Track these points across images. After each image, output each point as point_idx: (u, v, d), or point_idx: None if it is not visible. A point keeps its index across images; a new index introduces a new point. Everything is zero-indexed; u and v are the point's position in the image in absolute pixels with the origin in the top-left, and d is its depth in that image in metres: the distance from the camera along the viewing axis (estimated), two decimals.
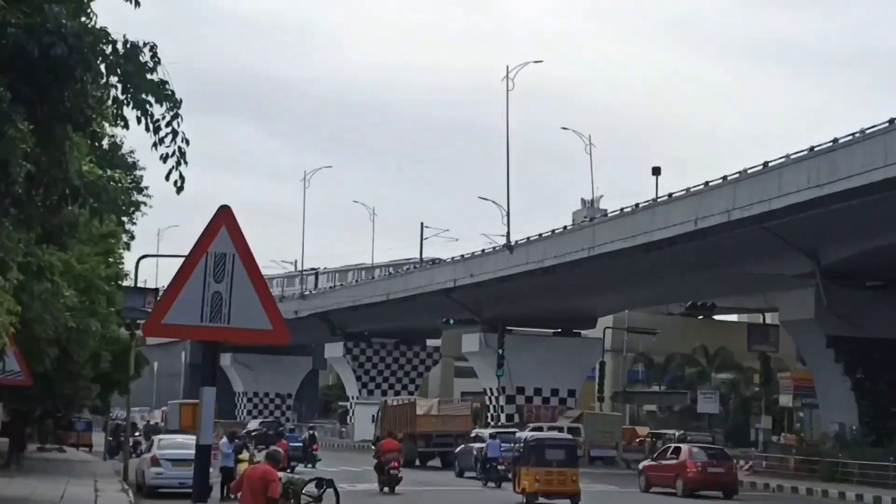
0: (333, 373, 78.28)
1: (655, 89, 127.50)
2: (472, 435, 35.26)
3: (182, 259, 5.94)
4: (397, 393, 63.71)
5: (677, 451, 28.31)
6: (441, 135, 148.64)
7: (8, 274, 9.48)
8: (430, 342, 67.73)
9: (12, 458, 30.71)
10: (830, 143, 28.03)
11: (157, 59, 7.17)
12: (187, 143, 7.32)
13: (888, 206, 27.09)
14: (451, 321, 52.25)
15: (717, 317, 63.01)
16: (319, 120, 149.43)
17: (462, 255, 49.69)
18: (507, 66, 45.97)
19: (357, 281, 65.56)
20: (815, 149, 28.82)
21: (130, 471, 27.90)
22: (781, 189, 29.59)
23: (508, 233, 46.32)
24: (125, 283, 27.69)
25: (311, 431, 39.11)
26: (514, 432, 37.20)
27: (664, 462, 28.38)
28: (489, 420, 51.38)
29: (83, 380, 24.02)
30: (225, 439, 24.14)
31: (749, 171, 31.58)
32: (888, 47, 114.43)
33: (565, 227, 44.48)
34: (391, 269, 63.42)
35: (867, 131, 26.80)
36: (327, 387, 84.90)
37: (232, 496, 11.84)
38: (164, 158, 7.23)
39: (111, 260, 26.52)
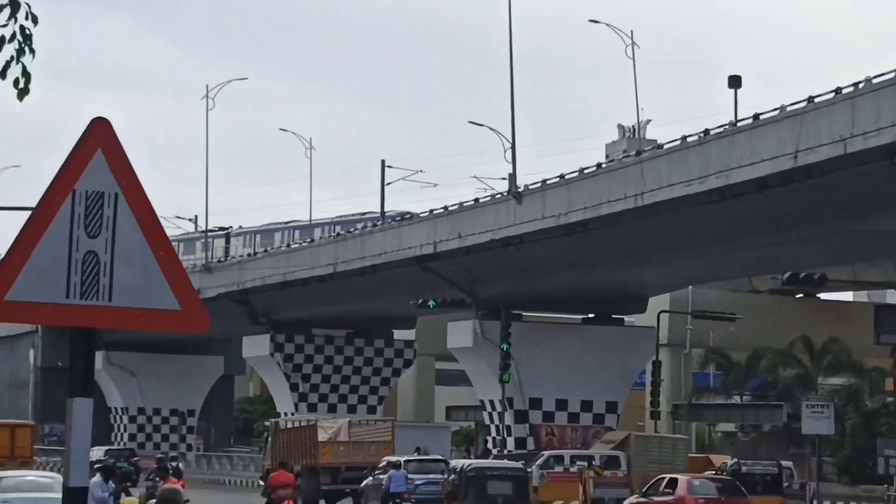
0: (256, 379, 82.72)
1: None
2: (383, 463, 39.18)
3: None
4: (351, 409, 67.55)
5: (673, 483, 32.41)
6: (409, 38, 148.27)
7: None
8: (400, 334, 71.48)
9: None
10: None
11: None
12: (35, 21, 7.28)
13: None
14: (431, 303, 54.65)
15: (825, 295, 66.86)
16: (228, 18, 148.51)
17: (445, 207, 52.08)
18: None
19: (289, 246, 67.80)
20: None
21: None
22: None
23: (514, 173, 48.37)
24: None
25: (174, 463, 41.88)
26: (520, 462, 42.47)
27: (656, 499, 31.97)
28: (489, 446, 55.25)
29: None
30: (98, 477, 25.11)
31: (874, 82, 33.81)
32: None
33: (599, 166, 46.96)
34: (339, 229, 65.60)
35: None
36: (248, 399, 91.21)
37: None
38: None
39: None
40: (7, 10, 7.06)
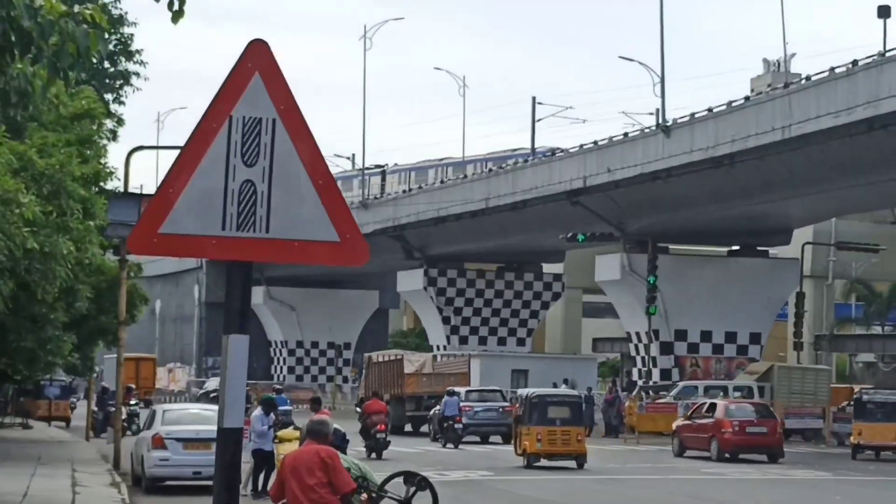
0: (410, 313, 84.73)
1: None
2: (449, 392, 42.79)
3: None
4: (501, 341, 69.17)
5: (713, 408, 36.59)
6: None
7: None
8: (549, 268, 72.00)
9: None
10: None
11: None
12: None
13: None
14: (580, 237, 54.80)
15: None
16: None
17: (595, 142, 52.40)
18: None
19: (443, 182, 68.23)
20: None
21: (125, 455, 29.88)
22: None
23: (663, 107, 48.46)
24: (110, 187, 29.10)
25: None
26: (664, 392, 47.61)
27: (698, 422, 36.30)
28: (636, 377, 56.07)
29: (52, 326, 24.44)
30: (259, 410, 25.51)
31: None
32: None
33: (747, 98, 46.67)
34: (491, 166, 66.21)
35: None
36: (401, 332, 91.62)
37: (272, 500, 11.40)
38: None
39: (89, 153, 27.58)
40: None
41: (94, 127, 29.01)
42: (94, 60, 36.04)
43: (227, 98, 4.98)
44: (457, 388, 43.10)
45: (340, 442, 21.49)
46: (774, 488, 29.81)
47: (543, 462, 30.66)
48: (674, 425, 38.18)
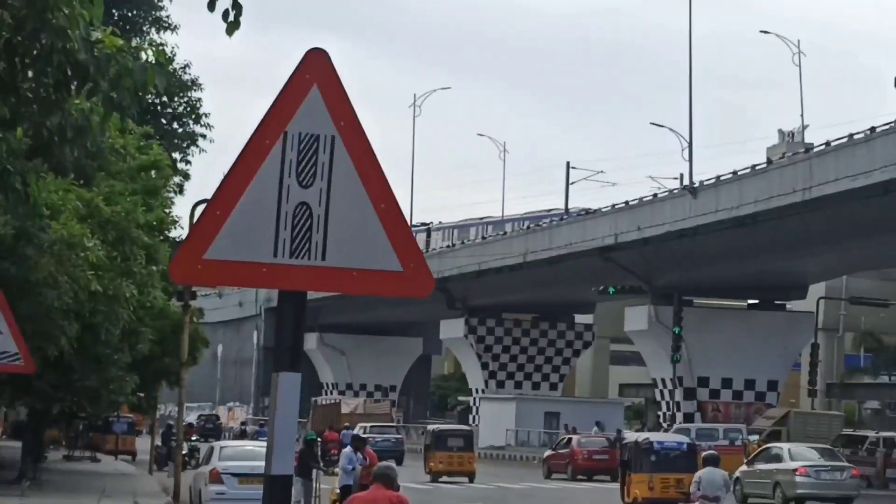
0: (451, 358, 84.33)
1: None
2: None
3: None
4: (535, 386, 69.25)
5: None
6: (590, 56, 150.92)
7: None
8: (580, 318, 71.93)
9: (26, 469, 31.86)
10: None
11: None
12: None
13: None
14: (611, 290, 55.10)
15: None
16: (428, 38, 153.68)
17: (626, 203, 52.56)
18: None
19: (483, 238, 68.35)
20: None
21: (184, 488, 29.66)
22: None
23: (690, 170, 48.57)
24: (174, 235, 28.62)
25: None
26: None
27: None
28: (661, 421, 55.06)
29: (115, 367, 23.56)
30: (349, 448, 24.73)
31: None
32: None
33: (770, 161, 47.09)
34: (528, 224, 66.01)
35: None
36: (443, 377, 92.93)
37: None
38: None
39: (154, 203, 26.82)
40: None
41: (161, 180, 28.50)
42: (156, 102, 37.96)
43: (281, 112, 4.28)
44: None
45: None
46: None
47: None
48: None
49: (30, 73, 7.38)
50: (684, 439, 35.82)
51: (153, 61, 7.13)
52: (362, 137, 4.36)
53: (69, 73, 7.24)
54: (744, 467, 35.07)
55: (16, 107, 7.85)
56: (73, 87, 7.45)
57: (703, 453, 25.31)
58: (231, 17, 6.60)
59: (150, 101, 36.46)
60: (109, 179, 23.70)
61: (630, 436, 37.19)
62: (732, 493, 34.96)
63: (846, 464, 34.03)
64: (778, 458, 32.68)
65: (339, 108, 4.29)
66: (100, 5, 7.12)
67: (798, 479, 31.85)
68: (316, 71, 4.26)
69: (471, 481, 38.21)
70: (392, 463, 13.34)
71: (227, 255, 4.17)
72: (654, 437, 36.04)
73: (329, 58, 4.32)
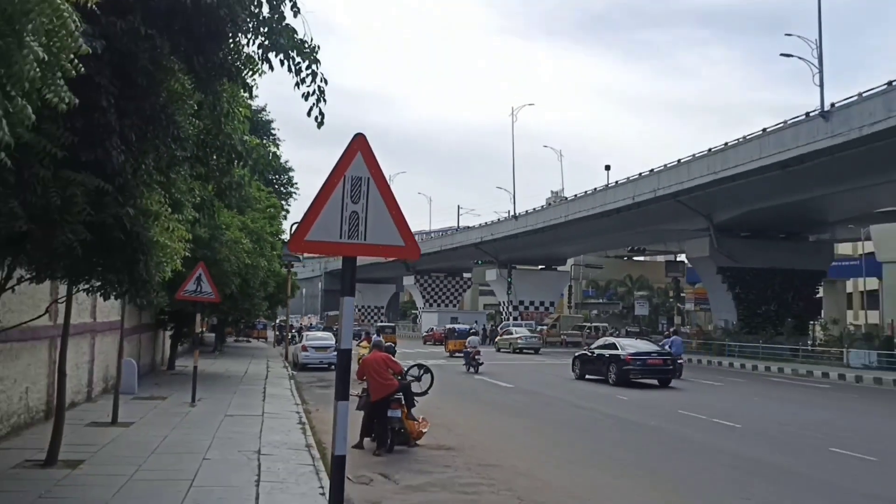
0: (407, 294, 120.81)
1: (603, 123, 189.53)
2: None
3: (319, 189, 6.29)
4: (446, 305, 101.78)
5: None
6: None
7: (183, 212, 11.71)
8: (466, 275, 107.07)
9: (217, 346, 45.87)
10: (722, 146, 44.67)
11: (296, 9, 8.75)
12: (325, 82, 8.93)
13: (756, 187, 42.89)
14: (479, 262, 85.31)
15: (640, 258, 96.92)
16: None
17: (486, 222, 79.57)
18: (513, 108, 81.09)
19: (423, 239, 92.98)
20: (712, 149, 45.55)
21: (288, 354, 42.09)
22: (690, 175, 47.15)
23: (514, 207, 74.05)
24: (283, 238, 35.60)
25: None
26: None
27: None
28: (503, 319, 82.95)
29: (257, 298, 29.11)
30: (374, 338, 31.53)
31: (668, 165, 49.86)
32: None
33: (550, 203, 72.29)
34: (443, 233, 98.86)
35: (747, 136, 42.85)
36: (405, 302, 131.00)
37: (357, 379, 15.73)
38: (306, 97, 8.81)
39: (273, 222, 35.01)
40: (309, 78, 8.88)
41: (275, 211, 36.81)
42: (272, 171, 46.21)
43: (342, 165, 6.19)
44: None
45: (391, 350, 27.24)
46: None
47: None
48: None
49: (214, 157, 10.88)
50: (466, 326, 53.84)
51: (273, 151, 16.64)
52: (383, 178, 6.33)
53: (232, 155, 10.72)
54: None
55: (208, 173, 11.67)
56: (235, 163, 11.11)
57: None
58: (319, 120, 9.04)
59: (269, 176, 47.68)
60: (252, 212, 30.82)
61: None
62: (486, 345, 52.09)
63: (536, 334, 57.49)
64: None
65: (372, 164, 6.28)
66: (247, 126, 11.11)
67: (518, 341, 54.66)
68: (360, 145, 6.28)
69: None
70: (381, 339, 22.04)
71: (317, 237, 6.16)
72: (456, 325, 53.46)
73: (365, 138, 6.32)
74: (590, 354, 34.61)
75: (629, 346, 33.30)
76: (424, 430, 16.52)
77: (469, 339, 39.33)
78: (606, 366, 32.40)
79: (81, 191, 7.48)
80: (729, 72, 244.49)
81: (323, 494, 10.69)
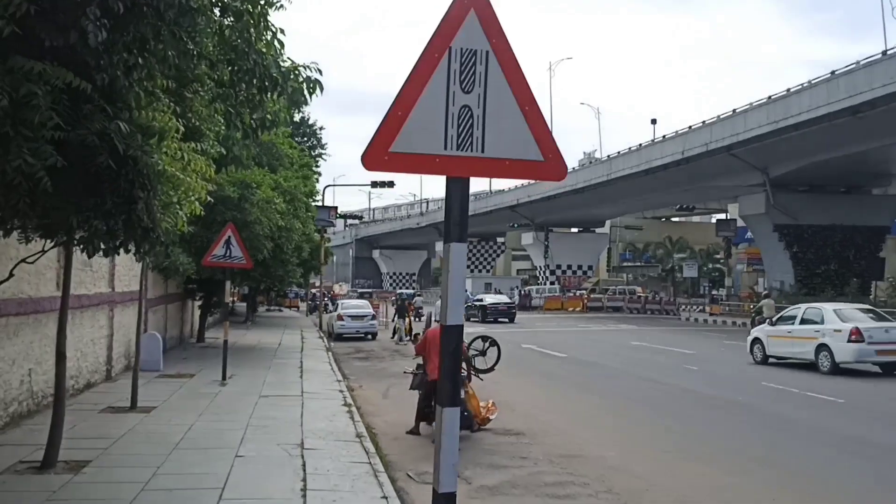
0: (439, 259, 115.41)
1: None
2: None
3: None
4: (479, 271, 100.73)
5: None
6: None
7: (203, 142, 10.19)
8: (500, 239, 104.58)
9: (248, 316, 45.06)
10: (784, 92, 41.72)
11: None
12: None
13: (819, 137, 40.71)
14: (514, 225, 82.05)
15: (676, 219, 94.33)
16: None
17: (521, 184, 74.12)
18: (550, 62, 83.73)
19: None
20: (772, 97, 42.40)
21: (323, 323, 41.31)
22: (746, 126, 44.22)
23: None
24: (316, 203, 36.09)
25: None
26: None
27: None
28: (539, 284, 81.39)
29: (290, 264, 27.56)
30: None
31: (722, 116, 46.66)
32: None
33: (590, 161, 68.24)
34: (475, 196, 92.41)
35: (812, 81, 40.62)
36: (436, 268, 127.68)
37: (416, 352, 15.06)
38: None
39: (308, 182, 34.77)
40: None
41: (309, 170, 37.80)
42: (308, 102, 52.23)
43: (445, 31, 4.38)
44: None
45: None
46: None
47: None
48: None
49: (244, 85, 8.98)
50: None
51: (312, 77, 9.07)
52: (510, 52, 4.47)
53: (266, 82, 8.83)
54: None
55: (234, 107, 9.64)
56: (268, 93, 9.15)
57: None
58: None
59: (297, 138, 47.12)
60: (284, 170, 30.59)
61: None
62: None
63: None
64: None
65: (492, 29, 4.42)
66: (282, 44, 9.00)
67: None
68: (473, 1, 4.40)
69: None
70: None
71: (408, 148, 4.31)
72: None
73: None
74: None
75: (851, 316, 24.38)
76: (492, 417, 14.68)
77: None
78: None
79: (45, 91, 5.32)
80: (766, 24, 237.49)
81: None
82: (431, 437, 13.36)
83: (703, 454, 12.85)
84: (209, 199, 10.24)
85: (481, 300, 52.14)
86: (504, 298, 54.47)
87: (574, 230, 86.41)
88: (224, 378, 18.84)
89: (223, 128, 10.48)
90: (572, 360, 27.33)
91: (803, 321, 25.12)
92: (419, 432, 13.93)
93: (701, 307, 64.30)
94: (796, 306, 27.29)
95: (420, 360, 14.60)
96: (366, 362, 26.29)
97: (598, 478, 11.12)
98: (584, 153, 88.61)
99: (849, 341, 22.99)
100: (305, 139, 51.28)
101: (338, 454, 11.10)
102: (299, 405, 15.58)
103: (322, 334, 36.37)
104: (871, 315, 24.79)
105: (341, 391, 17.72)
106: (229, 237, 18.02)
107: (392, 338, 33.73)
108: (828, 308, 25.13)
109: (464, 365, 14.16)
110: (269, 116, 10.32)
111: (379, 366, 25.35)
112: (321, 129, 54.23)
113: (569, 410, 17.05)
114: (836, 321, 23.91)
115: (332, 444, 11.87)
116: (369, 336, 35.90)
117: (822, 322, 24.33)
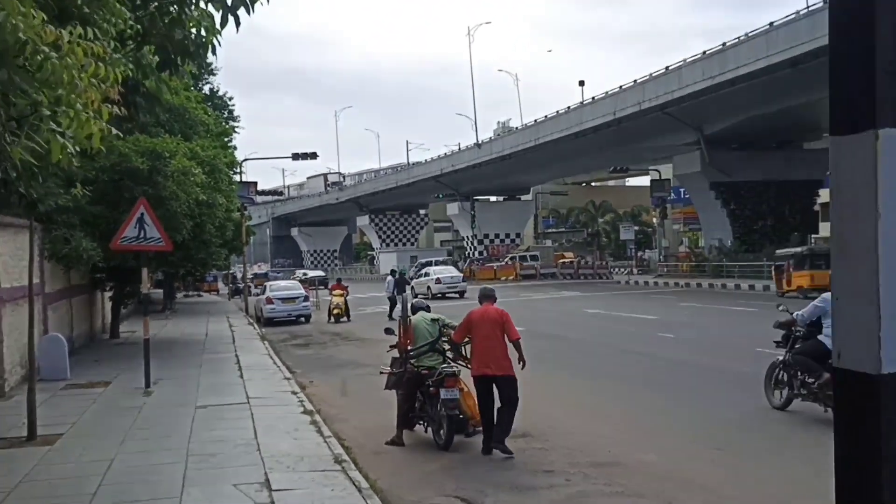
0: (359, 235, 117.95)
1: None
2: None
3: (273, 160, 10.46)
4: (403, 244, 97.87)
5: None
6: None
7: (100, 39, 6.61)
8: (422, 211, 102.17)
9: (166, 305, 41.44)
10: (720, 46, 41.51)
11: None
12: None
13: (754, 91, 39.79)
14: (440, 196, 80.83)
15: (597, 183, 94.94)
16: None
17: (445, 154, 75.72)
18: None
19: (375, 176, 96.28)
20: (706, 52, 42.34)
21: (249, 307, 38.63)
22: (681, 83, 43.39)
23: (477, 134, 74.84)
24: (235, 176, 33.61)
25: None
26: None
27: None
28: (468, 255, 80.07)
29: (213, 246, 25.20)
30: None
31: (654, 74, 46.16)
32: None
33: (516, 128, 65.99)
34: (395, 168, 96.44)
35: (749, 34, 39.72)
36: (357, 244, 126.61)
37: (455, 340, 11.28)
38: None
39: (227, 152, 32.08)
40: None
41: (228, 140, 35.88)
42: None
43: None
44: None
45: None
46: None
47: None
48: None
49: None
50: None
51: None
52: None
53: None
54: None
55: (147, 24, 7.75)
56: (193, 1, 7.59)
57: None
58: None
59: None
60: (199, 139, 27.35)
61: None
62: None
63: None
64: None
65: None
66: None
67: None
68: None
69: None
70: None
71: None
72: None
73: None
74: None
75: None
76: None
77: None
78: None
79: None
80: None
81: None
82: (419, 449, 10.90)
83: (759, 449, 10.10)
84: (111, 108, 6.41)
85: (428, 274, 47.11)
86: (453, 271, 49.30)
87: (500, 198, 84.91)
88: (148, 385, 15.52)
89: (128, 21, 7.31)
90: (534, 334, 24.11)
91: None
92: (402, 442, 11.24)
93: (629, 269, 63.39)
94: None
95: (395, 354, 11.78)
96: (307, 350, 23.62)
97: (653, 493, 8.46)
98: (499, 122, 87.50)
99: None
100: (218, 112, 48.31)
101: (321, 495, 7.93)
102: (248, 417, 12.34)
103: (251, 319, 33.76)
104: None
105: (294, 392, 14.59)
106: (142, 214, 15.39)
107: (390, 317, 29.89)
108: None
109: (450, 355, 11.47)
110: (191, 35, 7.92)
111: (323, 353, 22.49)
112: (231, 99, 51.66)
113: (563, 397, 14.42)
114: None
115: (306, 477, 8.68)
116: (302, 319, 33.43)
117: None
